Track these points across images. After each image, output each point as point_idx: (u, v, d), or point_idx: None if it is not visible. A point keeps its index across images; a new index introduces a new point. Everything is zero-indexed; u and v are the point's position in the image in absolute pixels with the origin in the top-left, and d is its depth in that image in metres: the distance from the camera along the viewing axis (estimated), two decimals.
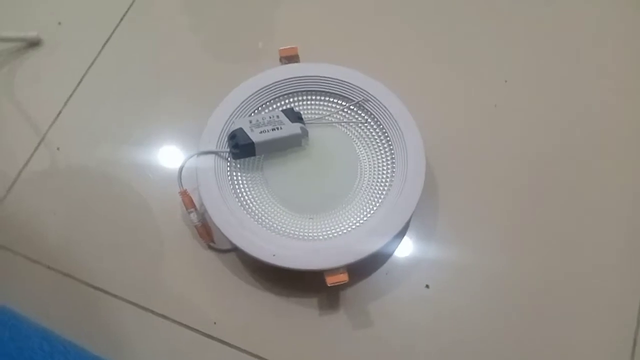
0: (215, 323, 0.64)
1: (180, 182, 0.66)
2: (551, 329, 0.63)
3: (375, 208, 0.64)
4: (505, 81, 0.78)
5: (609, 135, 0.74)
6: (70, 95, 0.78)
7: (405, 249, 0.68)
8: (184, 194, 0.66)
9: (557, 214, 0.69)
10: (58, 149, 0.74)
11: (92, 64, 0.80)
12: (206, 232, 0.67)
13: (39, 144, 0.75)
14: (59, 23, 0.83)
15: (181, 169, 0.66)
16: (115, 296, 0.66)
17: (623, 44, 0.80)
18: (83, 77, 0.79)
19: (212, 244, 0.68)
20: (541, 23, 0.82)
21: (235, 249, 0.67)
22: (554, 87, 0.77)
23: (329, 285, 0.59)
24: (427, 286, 0.66)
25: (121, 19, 0.84)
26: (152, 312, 0.65)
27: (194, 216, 0.66)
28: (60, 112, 0.77)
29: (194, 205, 0.66)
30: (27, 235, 0.69)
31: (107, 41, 0.82)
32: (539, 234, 0.68)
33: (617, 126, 0.74)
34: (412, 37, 0.82)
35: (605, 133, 0.74)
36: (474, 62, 0.79)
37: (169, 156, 0.74)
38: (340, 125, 0.70)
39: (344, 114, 0.70)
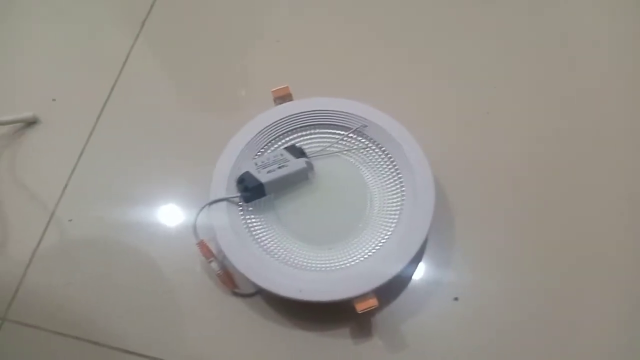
0: None
1: (196, 233, 0.66)
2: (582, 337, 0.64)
3: (392, 228, 0.65)
4: (494, 87, 0.80)
5: (606, 129, 0.76)
6: (74, 167, 0.79)
7: (428, 264, 0.68)
8: (202, 244, 0.67)
9: (563, 210, 0.71)
10: (70, 220, 0.75)
11: (91, 134, 0.82)
12: (228, 278, 0.67)
13: (50, 219, 0.75)
14: (53, 99, 0.85)
15: (195, 220, 0.66)
16: (147, 357, 0.65)
17: (611, 48, 0.83)
18: (84, 148, 0.81)
19: (236, 290, 0.68)
20: (525, 30, 0.85)
21: (259, 292, 0.67)
22: (543, 90, 0.80)
23: (359, 312, 0.59)
24: (455, 299, 0.66)
25: (112, 88, 0.85)
26: None
27: (214, 265, 0.66)
28: (66, 185, 0.78)
29: (212, 254, 0.67)
30: (50, 310, 0.69)
31: (101, 111, 0.84)
32: (557, 232, 0.69)
33: (610, 121, 0.76)
34: (396, 56, 0.85)
35: (600, 126, 0.76)
36: (461, 74, 0.82)
37: (179, 212, 0.75)
38: (343, 153, 0.71)
39: (344, 142, 0.71)
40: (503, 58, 0.82)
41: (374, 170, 0.70)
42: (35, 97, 0.86)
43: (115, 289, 0.70)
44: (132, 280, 0.71)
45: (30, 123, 0.83)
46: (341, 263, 0.64)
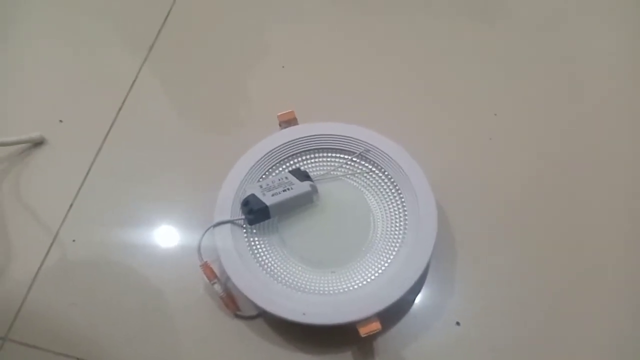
0: None
1: (200, 255, 0.67)
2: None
3: (394, 252, 0.65)
4: (495, 114, 0.81)
5: (606, 154, 0.77)
6: (80, 188, 0.79)
7: (430, 288, 0.68)
8: (206, 266, 0.67)
9: (565, 234, 0.72)
10: (74, 241, 0.75)
11: (97, 155, 0.83)
12: (231, 301, 0.67)
13: (54, 239, 0.75)
14: (60, 121, 0.86)
15: (199, 242, 0.66)
16: None
17: (612, 72, 0.85)
18: (89, 169, 0.81)
19: (238, 312, 0.68)
20: (527, 56, 0.87)
21: (262, 314, 0.67)
22: (545, 115, 0.81)
23: (362, 336, 0.59)
24: (457, 323, 0.66)
25: (119, 110, 0.87)
26: None
27: (217, 287, 0.66)
28: (71, 205, 0.78)
29: (216, 276, 0.67)
30: (53, 330, 0.69)
31: (108, 132, 0.85)
32: (559, 256, 0.70)
33: (606, 138, 0.78)
34: (400, 82, 0.86)
35: (595, 148, 0.77)
36: (463, 99, 0.83)
37: (184, 233, 0.75)
38: (347, 177, 0.72)
39: (348, 166, 0.72)
40: (505, 84, 0.84)
41: (378, 195, 0.71)
42: (42, 118, 0.87)
43: (118, 310, 0.70)
44: (135, 301, 0.71)
45: (37, 143, 0.84)
46: (344, 286, 0.64)
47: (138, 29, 0.96)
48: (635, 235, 0.71)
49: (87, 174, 0.81)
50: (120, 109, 0.87)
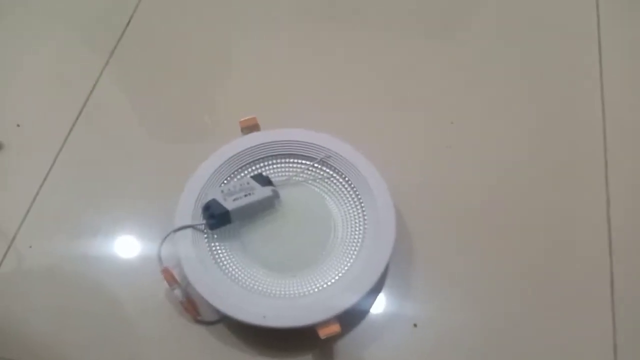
0: None
1: (161, 260, 0.67)
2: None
3: (354, 256, 0.67)
4: (452, 123, 0.84)
5: (558, 158, 0.80)
6: (37, 193, 0.78)
7: (389, 291, 0.70)
8: (166, 271, 0.67)
9: (521, 239, 0.74)
10: (30, 247, 0.74)
11: (55, 160, 0.81)
12: (192, 306, 0.67)
13: (10, 244, 0.74)
14: (18, 125, 0.85)
15: (160, 247, 0.66)
16: None
17: (571, 75, 0.88)
18: (47, 174, 0.80)
19: (199, 318, 0.68)
20: (485, 64, 0.90)
21: (223, 319, 0.67)
22: (504, 122, 0.84)
23: (322, 338, 0.60)
24: (414, 325, 0.68)
25: (78, 114, 0.86)
26: None
27: (178, 292, 0.66)
28: (28, 211, 0.77)
29: (177, 282, 0.67)
30: (9, 337, 0.67)
31: (66, 138, 0.83)
32: (514, 260, 0.72)
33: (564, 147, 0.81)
34: (360, 90, 0.88)
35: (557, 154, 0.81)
36: (422, 108, 0.85)
37: (144, 239, 0.75)
38: (308, 183, 0.73)
39: (310, 172, 0.74)
40: (464, 94, 0.87)
41: (338, 200, 0.72)
42: (0, 122, 0.85)
43: (76, 316, 0.69)
44: (92, 307, 0.70)
45: None
46: (305, 290, 0.65)
47: (99, 33, 0.95)
48: (593, 239, 0.73)
49: (45, 178, 0.80)
50: (79, 113, 0.86)
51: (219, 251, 0.68)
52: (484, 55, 0.91)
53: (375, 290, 0.68)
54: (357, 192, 0.71)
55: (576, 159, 0.80)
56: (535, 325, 0.67)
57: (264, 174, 0.72)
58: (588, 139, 0.81)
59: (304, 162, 0.74)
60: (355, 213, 0.70)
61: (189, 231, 0.67)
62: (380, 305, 0.69)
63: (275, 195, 0.69)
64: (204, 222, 0.67)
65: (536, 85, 0.87)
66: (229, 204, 0.66)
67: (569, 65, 0.89)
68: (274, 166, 0.74)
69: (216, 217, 0.66)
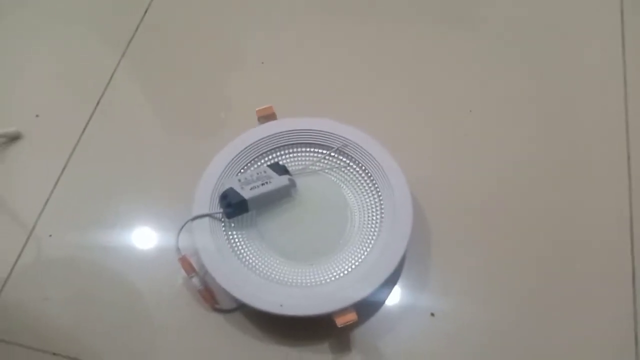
0: None
1: (179, 249, 0.67)
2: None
3: (371, 245, 0.66)
4: (470, 111, 0.83)
5: (581, 151, 0.79)
6: (56, 183, 0.79)
7: (406, 280, 0.70)
8: (184, 259, 0.67)
9: (538, 231, 0.73)
10: (50, 236, 0.75)
11: (73, 151, 0.82)
12: (209, 294, 0.67)
13: (30, 234, 0.75)
14: (37, 115, 0.86)
15: (177, 235, 0.67)
16: None
17: (587, 70, 0.86)
18: (66, 164, 0.81)
19: (216, 306, 0.68)
20: (502, 56, 0.89)
21: (240, 307, 0.68)
22: (521, 113, 0.83)
23: (339, 326, 0.60)
24: (432, 314, 0.67)
25: (96, 106, 0.86)
26: None
27: (196, 281, 0.67)
28: (48, 200, 0.78)
29: (194, 270, 0.67)
30: (29, 325, 0.69)
31: (84, 128, 0.84)
32: (534, 252, 0.71)
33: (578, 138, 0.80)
34: (378, 79, 0.87)
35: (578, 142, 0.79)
36: (440, 97, 0.85)
37: (162, 228, 0.75)
38: (325, 172, 0.73)
39: (326, 161, 0.73)
40: (481, 82, 0.86)
41: (355, 189, 0.72)
42: (19, 113, 0.86)
43: (94, 304, 0.70)
44: (111, 296, 0.71)
45: (14, 138, 0.83)
46: (322, 278, 0.65)
47: (115, 26, 0.96)
48: (608, 233, 0.72)
49: (64, 168, 0.80)
50: (97, 104, 0.86)
51: (236, 240, 0.68)
52: (503, 46, 0.89)
53: (392, 279, 0.67)
54: (373, 181, 0.71)
55: (599, 150, 0.79)
56: (555, 317, 0.67)
57: (280, 162, 0.72)
58: (611, 132, 0.80)
59: (320, 150, 0.74)
60: (372, 202, 0.70)
61: (206, 220, 0.67)
62: (397, 295, 0.69)
63: (292, 184, 0.69)
64: (221, 210, 0.67)
65: (554, 77, 0.86)
66: (246, 193, 0.66)
67: (593, 59, 0.87)
68: (291, 155, 0.74)
69: (233, 206, 0.66)
